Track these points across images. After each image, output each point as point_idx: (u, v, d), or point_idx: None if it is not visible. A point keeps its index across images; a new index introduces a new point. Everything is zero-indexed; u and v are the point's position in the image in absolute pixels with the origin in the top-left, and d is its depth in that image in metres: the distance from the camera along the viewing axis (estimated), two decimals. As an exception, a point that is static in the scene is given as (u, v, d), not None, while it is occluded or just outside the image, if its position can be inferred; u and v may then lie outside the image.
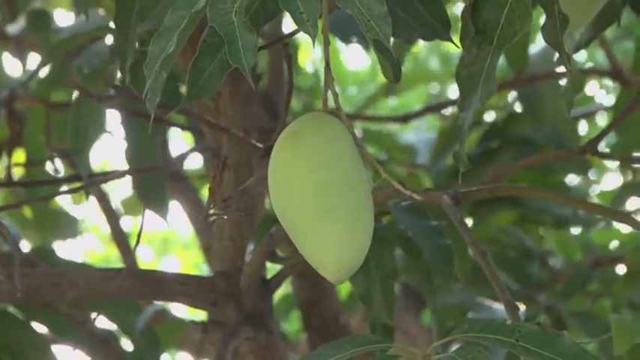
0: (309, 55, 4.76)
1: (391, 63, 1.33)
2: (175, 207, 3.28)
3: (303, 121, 1.34)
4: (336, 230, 1.28)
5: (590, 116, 3.71)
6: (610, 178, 4.14)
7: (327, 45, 1.30)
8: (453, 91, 4.78)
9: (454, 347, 1.37)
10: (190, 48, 1.35)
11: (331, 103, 1.34)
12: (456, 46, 1.40)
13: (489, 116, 3.35)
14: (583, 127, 3.85)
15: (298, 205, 1.29)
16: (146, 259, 5.92)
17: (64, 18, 3.39)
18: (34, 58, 3.06)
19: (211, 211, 1.53)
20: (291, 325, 4.20)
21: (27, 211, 3.14)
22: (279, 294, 3.66)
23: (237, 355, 2.02)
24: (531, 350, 1.32)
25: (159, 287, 1.93)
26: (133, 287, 1.91)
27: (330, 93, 1.32)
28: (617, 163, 3.60)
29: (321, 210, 1.28)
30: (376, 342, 1.42)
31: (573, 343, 1.31)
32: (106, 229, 3.43)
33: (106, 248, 5.56)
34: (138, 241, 1.85)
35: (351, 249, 1.30)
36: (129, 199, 3.92)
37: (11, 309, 2.39)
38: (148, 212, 2.71)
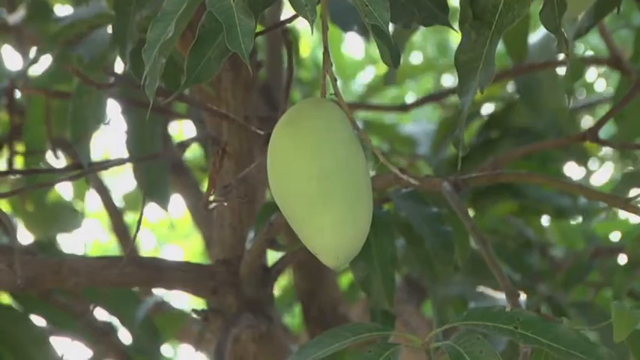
0: (309, 47, 4.76)
1: (390, 48, 1.33)
2: (176, 199, 3.28)
3: (302, 107, 1.34)
4: (336, 216, 1.29)
5: (590, 107, 3.70)
6: (609, 169, 4.14)
7: (325, 30, 1.30)
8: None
9: (454, 335, 1.37)
10: (190, 33, 1.35)
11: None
12: (455, 31, 1.41)
13: (489, 106, 3.34)
14: (585, 119, 3.86)
15: (298, 192, 1.29)
16: (148, 247, 5.92)
17: (64, 10, 3.38)
18: (34, 51, 3.06)
19: (211, 198, 1.53)
20: (294, 318, 4.20)
21: (29, 206, 3.14)
22: (282, 286, 3.66)
23: (237, 342, 2.02)
24: (530, 337, 1.33)
25: (159, 275, 1.93)
26: (133, 275, 1.91)
27: (328, 79, 1.32)
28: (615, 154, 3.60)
29: (321, 196, 1.28)
30: (375, 330, 1.43)
31: (572, 330, 1.32)
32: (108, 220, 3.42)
33: (110, 236, 5.55)
34: (138, 229, 1.85)
35: (350, 235, 1.30)
36: (131, 194, 3.93)
37: (10, 302, 2.39)
38: (150, 203, 2.71)
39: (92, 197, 3.70)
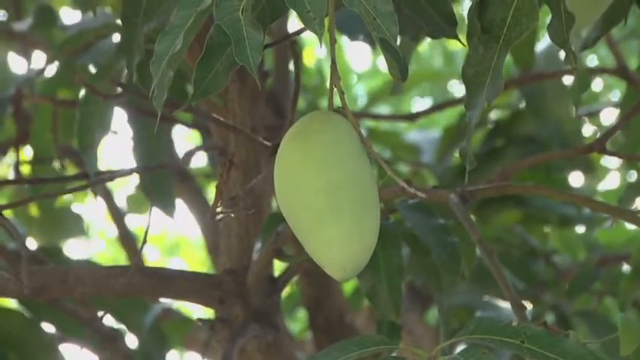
0: (313, 54, 4.76)
1: (398, 61, 1.33)
2: (182, 208, 3.27)
3: (309, 119, 1.34)
4: (343, 230, 1.29)
5: (594, 115, 3.70)
6: (613, 178, 4.14)
7: (333, 43, 1.30)
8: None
9: (460, 348, 1.37)
10: (198, 46, 1.35)
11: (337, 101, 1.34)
12: (463, 44, 1.41)
13: (493, 115, 3.34)
14: (587, 126, 3.85)
15: (306, 205, 1.29)
16: (153, 259, 5.92)
17: (69, 16, 3.39)
18: (38, 56, 3.07)
19: (218, 210, 1.53)
20: (296, 324, 4.20)
21: (33, 210, 3.14)
22: (284, 293, 3.67)
23: (244, 352, 2.01)
24: (537, 352, 1.32)
25: (166, 284, 1.93)
26: (140, 284, 1.90)
27: (335, 91, 1.32)
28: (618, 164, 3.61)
29: (328, 210, 1.28)
30: (382, 343, 1.43)
31: (579, 345, 1.32)
32: (113, 230, 3.42)
33: (114, 250, 5.56)
34: (145, 239, 1.85)
35: (358, 247, 1.30)
36: (135, 196, 3.93)
37: (19, 308, 2.39)
38: (155, 211, 2.71)
39: (97, 206, 3.70)
